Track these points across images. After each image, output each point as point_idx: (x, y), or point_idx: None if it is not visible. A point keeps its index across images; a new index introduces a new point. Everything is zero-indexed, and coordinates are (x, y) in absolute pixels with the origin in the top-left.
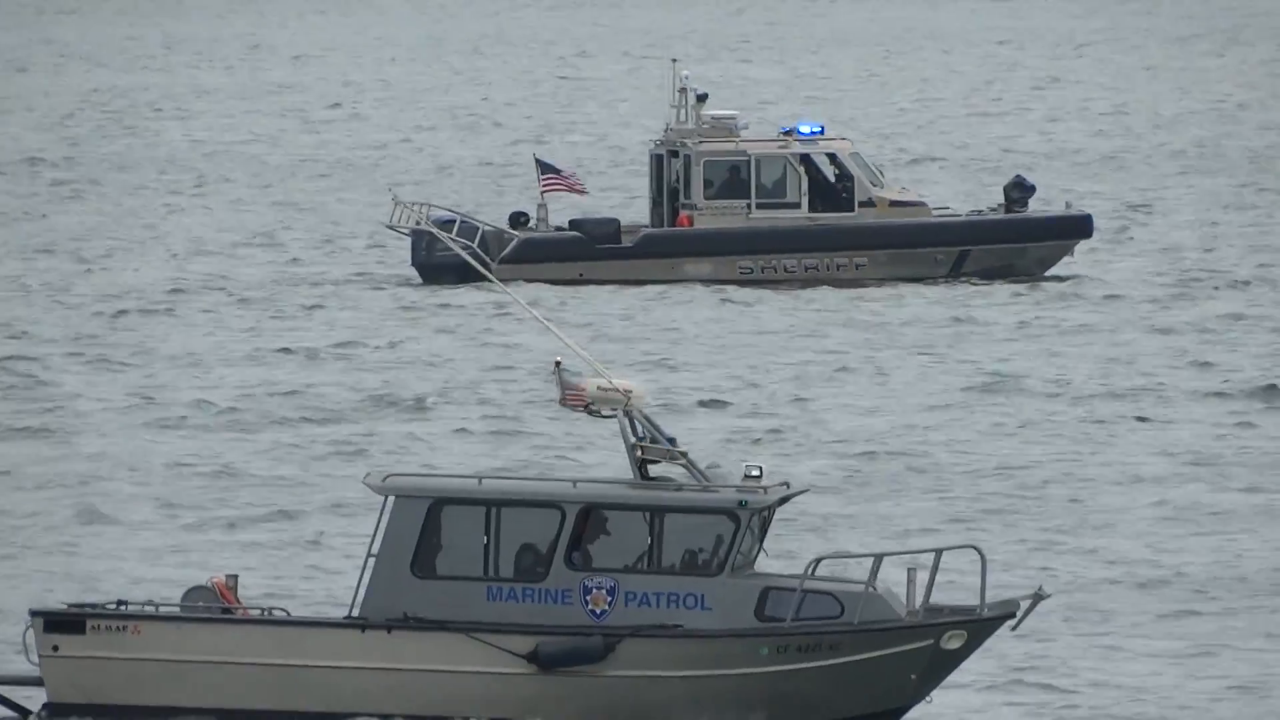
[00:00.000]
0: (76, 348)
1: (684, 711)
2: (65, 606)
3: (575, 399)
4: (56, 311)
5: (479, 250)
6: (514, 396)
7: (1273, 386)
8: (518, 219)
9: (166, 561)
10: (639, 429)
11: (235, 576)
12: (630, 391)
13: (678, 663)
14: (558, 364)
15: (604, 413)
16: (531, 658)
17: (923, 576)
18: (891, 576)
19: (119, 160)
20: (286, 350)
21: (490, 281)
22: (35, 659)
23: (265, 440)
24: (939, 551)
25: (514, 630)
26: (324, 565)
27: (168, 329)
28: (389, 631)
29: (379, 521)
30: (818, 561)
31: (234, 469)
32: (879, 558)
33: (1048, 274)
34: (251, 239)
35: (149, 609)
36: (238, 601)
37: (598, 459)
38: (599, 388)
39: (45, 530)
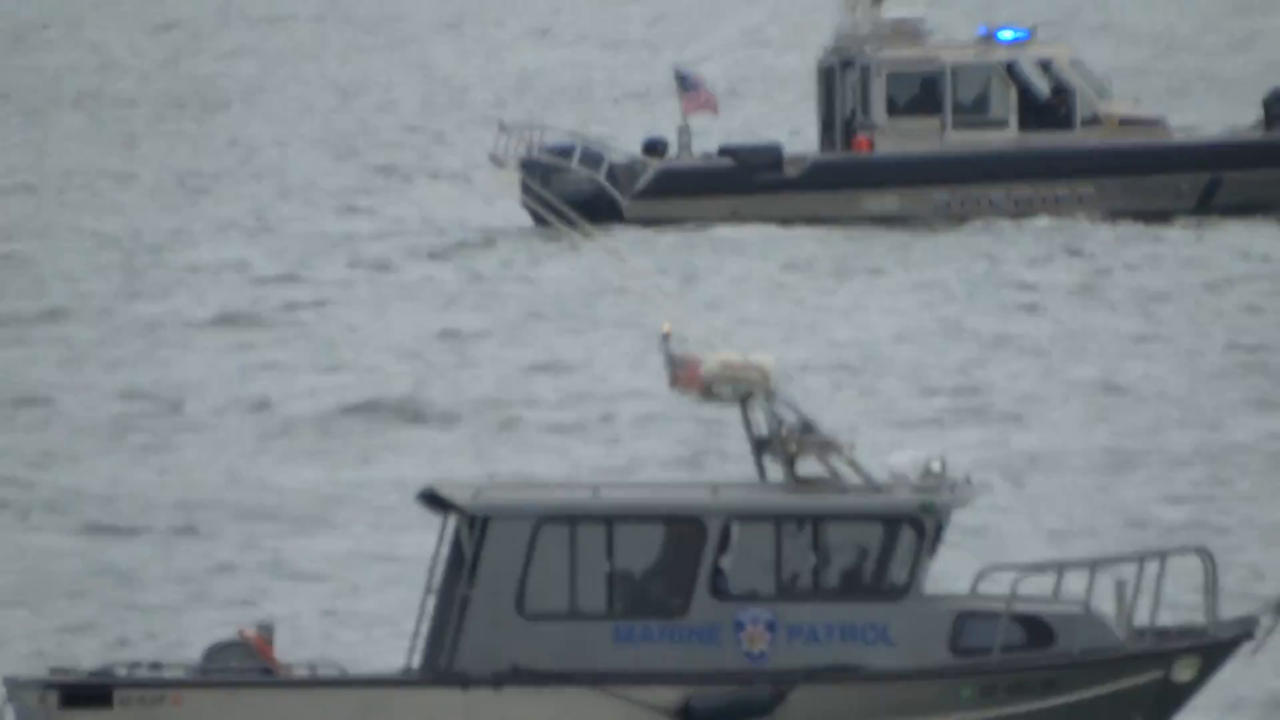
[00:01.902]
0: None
1: None
2: (86, 675)
3: (689, 380)
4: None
5: (608, 184)
6: (614, 383)
7: None
8: (654, 147)
9: (144, 608)
10: (777, 417)
11: (270, 628)
12: (766, 370)
13: (860, 713)
14: (666, 334)
15: (727, 397)
16: (684, 715)
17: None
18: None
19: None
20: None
21: (584, 230)
22: None
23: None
24: (1164, 556)
25: (656, 680)
26: (358, 605)
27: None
28: (497, 688)
29: (467, 547)
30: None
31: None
32: (1061, 567)
33: None
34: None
35: (187, 674)
36: (277, 659)
37: (725, 461)
38: (723, 364)
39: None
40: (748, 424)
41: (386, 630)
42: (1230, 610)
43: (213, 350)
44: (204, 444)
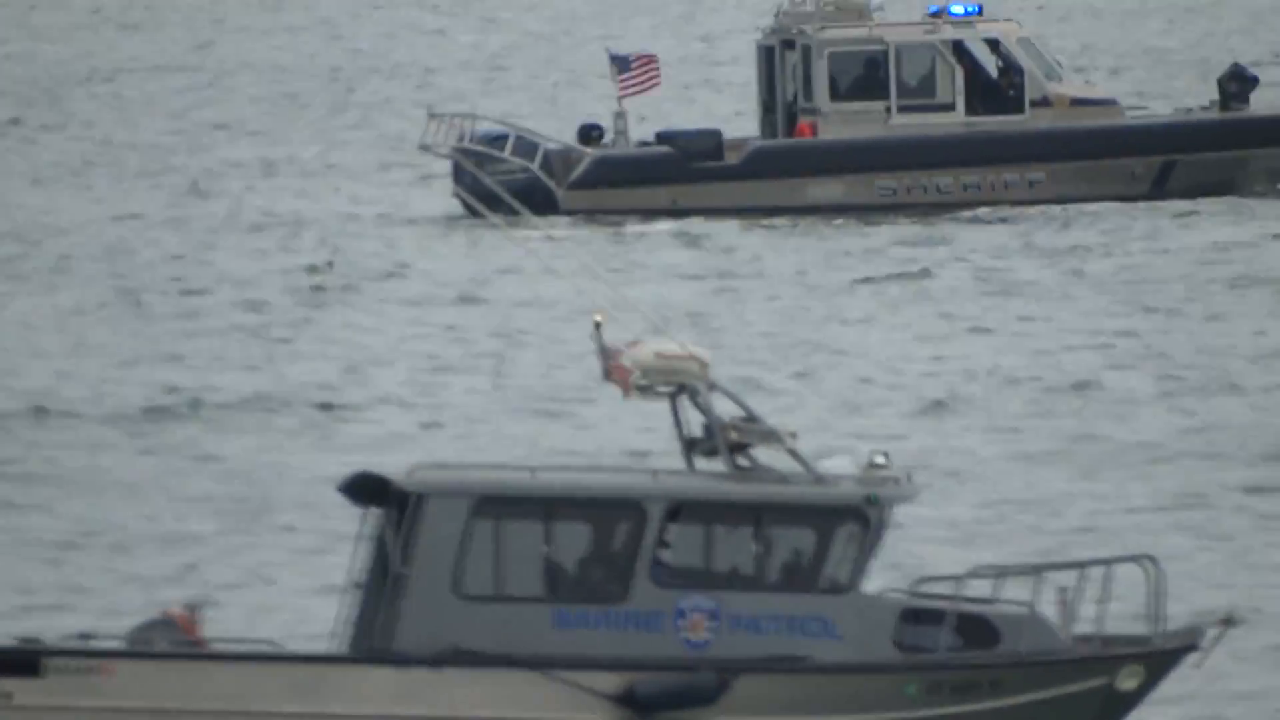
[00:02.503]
0: None
1: None
2: (13, 641)
3: (621, 371)
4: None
5: (542, 173)
6: (551, 372)
7: None
8: (589, 133)
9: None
10: (710, 406)
11: (196, 607)
12: (702, 361)
13: (805, 706)
14: (598, 324)
15: (660, 389)
16: (625, 700)
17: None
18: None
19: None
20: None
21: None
22: None
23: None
24: (1109, 564)
25: (596, 666)
26: (284, 584)
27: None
28: (435, 668)
29: (403, 525)
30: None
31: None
32: (1002, 572)
33: None
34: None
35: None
36: (203, 639)
37: (651, 447)
38: (656, 355)
39: None
40: (676, 416)
41: (318, 610)
42: (1177, 620)
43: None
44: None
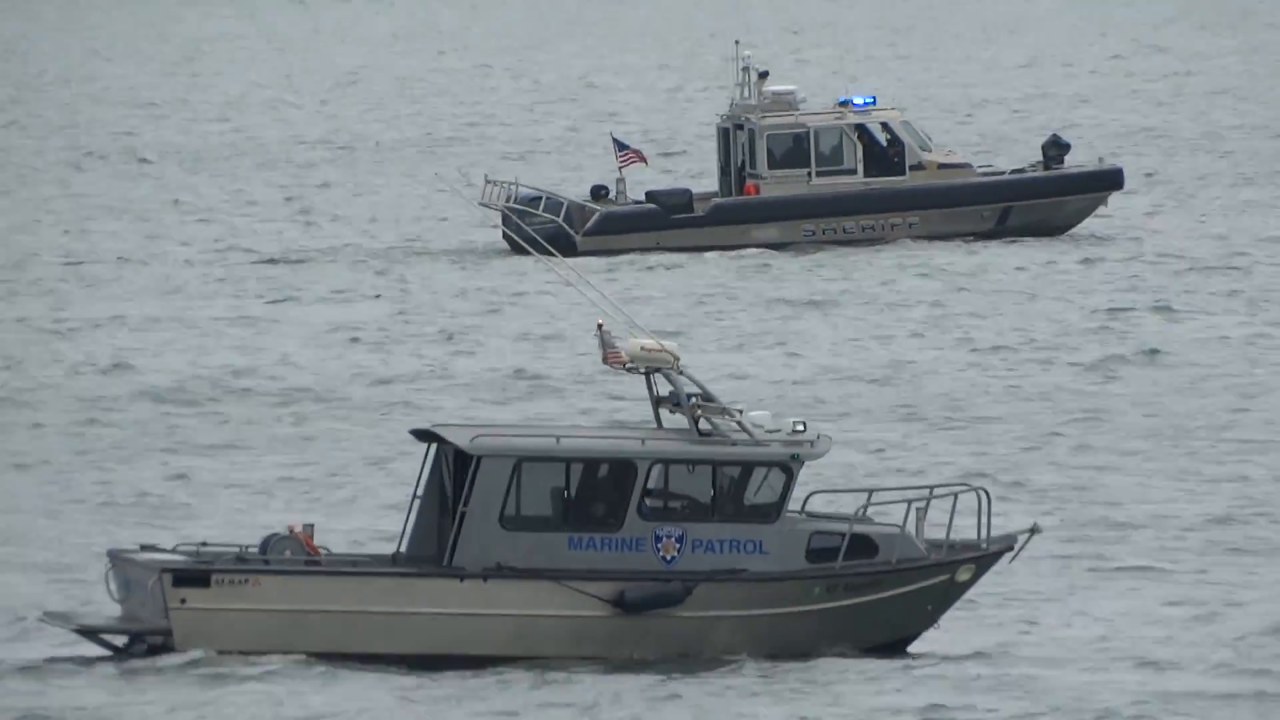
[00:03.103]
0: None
1: (744, 646)
2: (192, 561)
3: (615, 358)
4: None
5: (564, 224)
6: (558, 359)
7: None
8: (598, 193)
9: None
10: (679, 389)
11: (311, 525)
12: (672, 352)
13: (743, 604)
14: (600, 325)
15: (640, 370)
16: (616, 602)
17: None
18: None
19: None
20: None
21: (544, 256)
22: (123, 605)
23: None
24: (931, 489)
25: (599, 577)
26: (360, 508)
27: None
28: (485, 580)
29: (464, 478)
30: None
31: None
32: (871, 493)
33: (1081, 225)
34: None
35: (266, 564)
36: (317, 549)
37: (614, 412)
38: (641, 348)
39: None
40: (650, 387)
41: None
42: (997, 531)
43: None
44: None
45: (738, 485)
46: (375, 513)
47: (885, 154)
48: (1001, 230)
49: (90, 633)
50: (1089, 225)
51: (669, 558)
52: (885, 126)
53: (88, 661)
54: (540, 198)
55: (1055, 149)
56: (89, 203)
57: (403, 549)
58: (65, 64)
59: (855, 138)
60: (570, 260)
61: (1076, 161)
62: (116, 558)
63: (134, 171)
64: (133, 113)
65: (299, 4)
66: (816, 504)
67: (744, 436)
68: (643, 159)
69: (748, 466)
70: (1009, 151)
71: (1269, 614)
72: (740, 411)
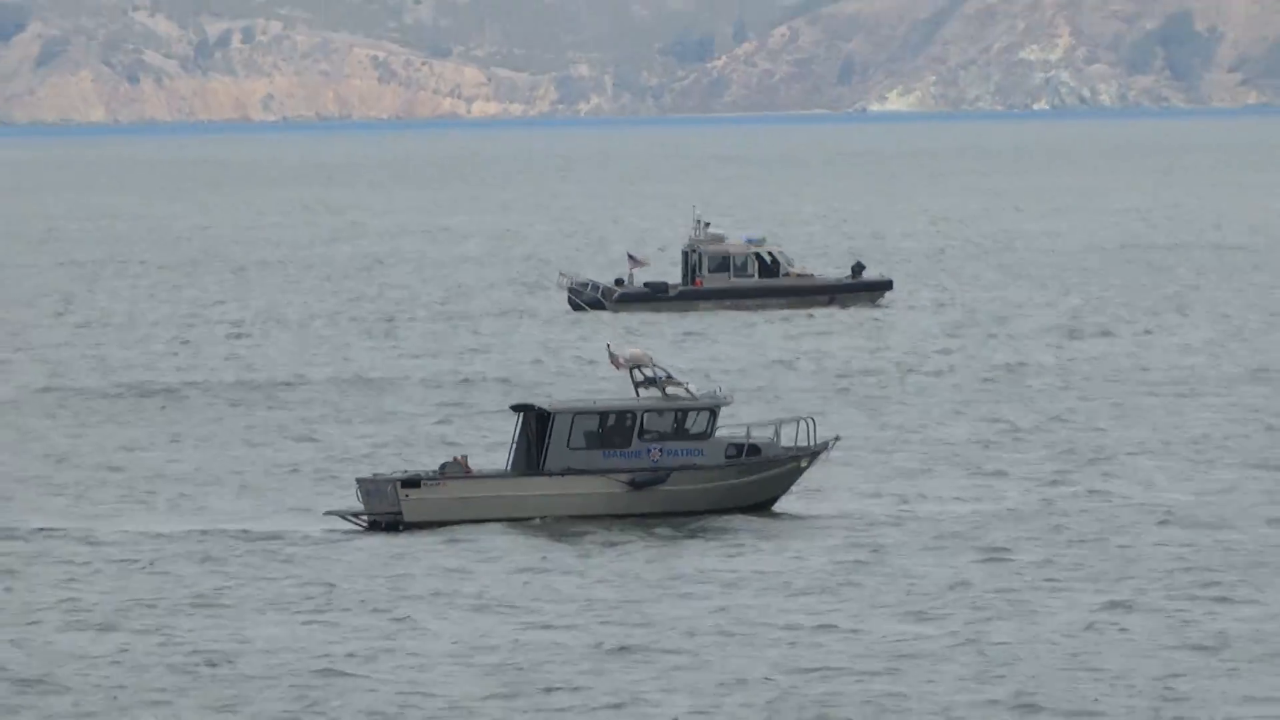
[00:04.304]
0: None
1: (695, 503)
2: (407, 475)
3: (615, 362)
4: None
5: (602, 298)
6: (583, 363)
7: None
8: (618, 282)
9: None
10: (652, 375)
11: (466, 455)
12: (650, 357)
13: (693, 481)
14: (608, 346)
15: (622, 363)
16: (629, 483)
17: (787, 431)
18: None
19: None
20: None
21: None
22: (371, 510)
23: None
24: (780, 420)
25: (620, 470)
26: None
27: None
28: (561, 475)
29: (539, 425)
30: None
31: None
32: (779, 423)
33: (874, 306)
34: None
35: (447, 473)
36: (470, 467)
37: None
38: (632, 354)
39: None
40: (633, 380)
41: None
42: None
43: None
44: None
45: (687, 421)
46: (483, 456)
47: (769, 268)
48: (829, 306)
49: (355, 516)
50: (873, 311)
51: (655, 460)
52: (769, 253)
53: (349, 534)
54: (589, 283)
55: (859, 267)
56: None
57: (508, 467)
58: None
59: (753, 258)
60: (603, 315)
61: (870, 274)
62: (363, 481)
63: None
64: None
65: None
66: (734, 430)
67: (688, 397)
68: (644, 264)
69: (692, 410)
70: (837, 263)
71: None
72: (685, 384)
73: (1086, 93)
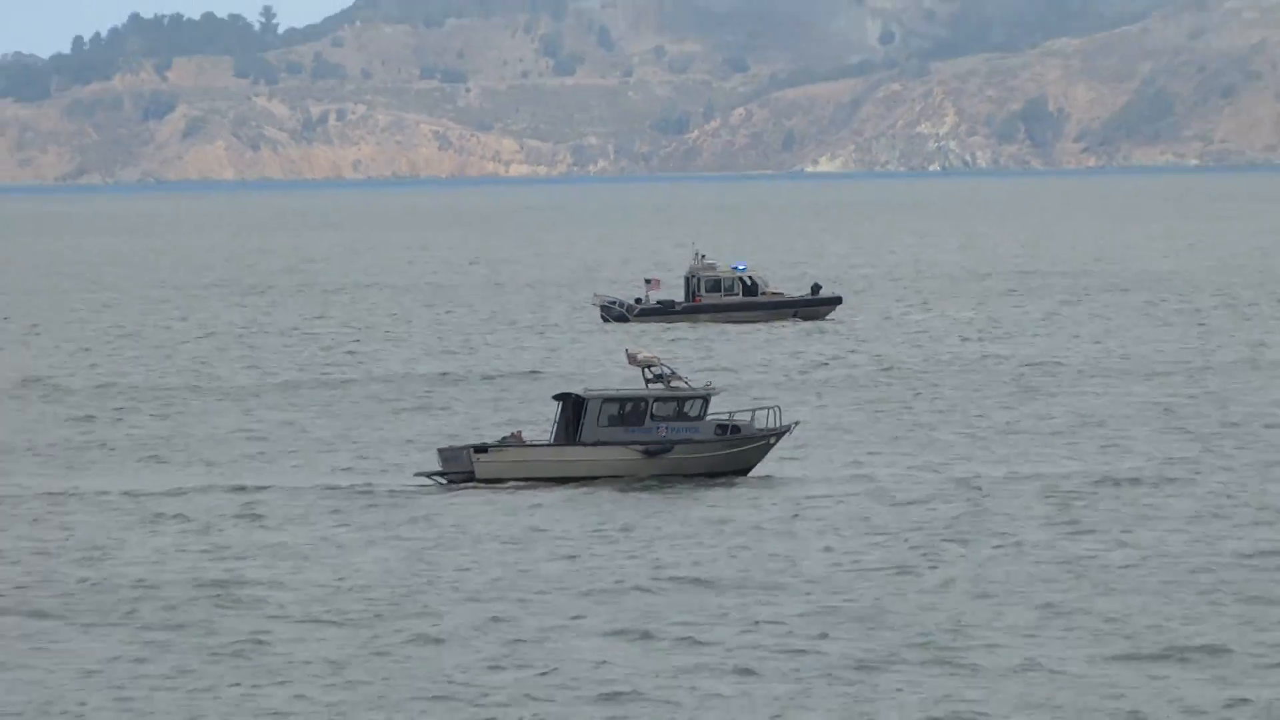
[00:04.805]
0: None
1: (692, 468)
2: (476, 444)
3: (631, 361)
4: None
5: (626, 312)
6: (607, 365)
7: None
8: (638, 300)
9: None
10: (660, 371)
11: (520, 430)
12: (658, 359)
13: (691, 451)
14: (627, 350)
15: (643, 367)
16: (644, 452)
17: (760, 415)
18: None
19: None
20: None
21: (622, 323)
22: (448, 470)
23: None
24: (754, 409)
25: (637, 442)
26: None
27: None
28: (594, 445)
29: (575, 409)
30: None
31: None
32: (755, 409)
33: (826, 319)
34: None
35: (506, 444)
36: (524, 439)
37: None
38: (645, 356)
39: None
40: (644, 375)
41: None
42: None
43: None
44: None
45: (686, 406)
46: (532, 431)
47: (750, 288)
48: (795, 319)
49: (439, 475)
50: (824, 324)
51: (662, 436)
52: (750, 277)
53: (430, 488)
54: (615, 301)
55: (816, 287)
56: None
57: (551, 439)
58: None
59: (738, 281)
60: (625, 326)
61: (826, 292)
62: (443, 449)
63: None
64: None
65: None
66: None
67: (687, 387)
68: (658, 286)
69: (689, 399)
70: (799, 285)
71: None
72: (685, 378)
73: (968, 158)
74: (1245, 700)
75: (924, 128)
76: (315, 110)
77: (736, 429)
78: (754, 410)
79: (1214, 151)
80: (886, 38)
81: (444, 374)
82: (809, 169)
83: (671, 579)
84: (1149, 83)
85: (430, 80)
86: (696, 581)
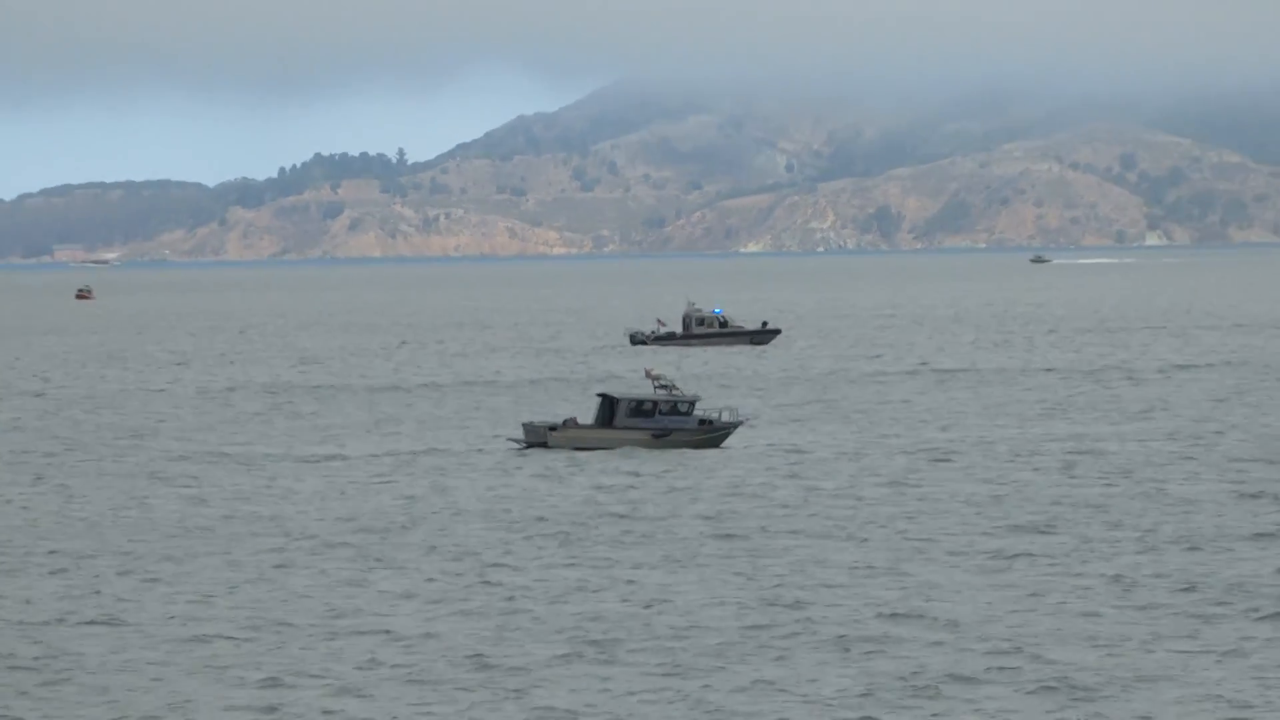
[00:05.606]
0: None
1: (684, 444)
2: (550, 423)
3: (647, 376)
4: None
5: (647, 338)
6: (628, 380)
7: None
8: (653, 330)
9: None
10: (664, 383)
11: (575, 416)
12: (662, 374)
13: (683, 435)
14: (645, 369)
15: (651, 377)
16: (655, 435)
17: (726, 413)
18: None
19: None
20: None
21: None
22: (529, 439)
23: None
24: (723, 407)
25: (649, 429)
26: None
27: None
28: (622, 430)
29: (610, 404)
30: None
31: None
32: (734, 408)
33: (770, 345)
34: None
35: (568, 423)
36: (577, 424)
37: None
38: (655, 373)
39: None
40: (653, 383)
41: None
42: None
43: None
44: None
45: (680, 407)
46: (583, 417)
47: (724, 324)
48: (753, 345)
49: (522, 441)
50: (769, 348)
51: (666, 424)
52: (724, 318)
53: (509, 453)
54: (639, 331)
55: (764, 323)
56: None
57: (594, 423)
58: None
59: (717, 320)
60: (646, 349)
61: (771, 325)
62: (526, 424)
63: None
64: None
65: None
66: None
67: (681, 394)
68: (665, 325)
69: (682, 401)
70: (752, 320)
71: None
72: (679, 388)
73: (842, 243)
74: None
75: (814, 224)
76: (431, 213)
77: (710, 421)
78: (722, 409)
79: (995, 240)
80: (790, 167)
81: (523, 380)
82: (743, 250)
83: (652, 506)
84: (955, 195)
85: (503, 194)
86: (672, 514)
